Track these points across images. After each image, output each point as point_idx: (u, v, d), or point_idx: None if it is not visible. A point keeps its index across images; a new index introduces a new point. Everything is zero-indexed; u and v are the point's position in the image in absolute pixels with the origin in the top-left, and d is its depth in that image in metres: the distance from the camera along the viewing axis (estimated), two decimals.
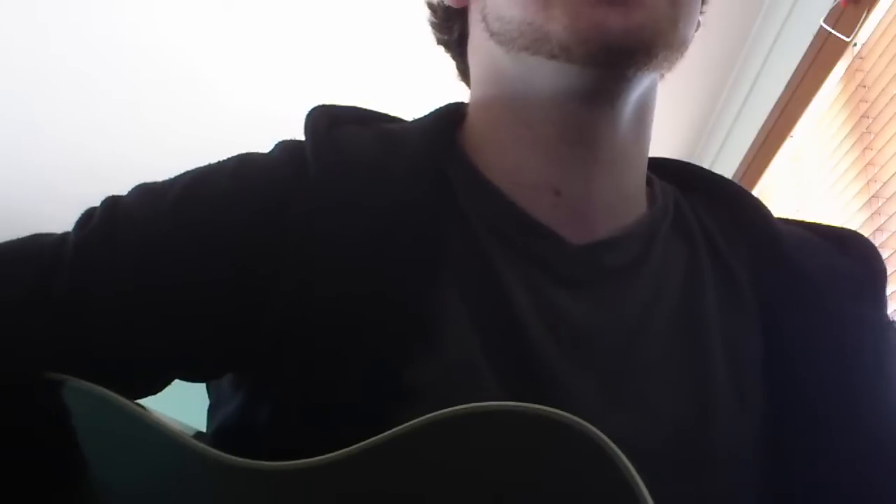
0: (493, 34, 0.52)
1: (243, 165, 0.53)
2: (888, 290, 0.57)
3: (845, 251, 0.57)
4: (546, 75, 0.51)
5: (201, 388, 0.57)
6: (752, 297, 0.54)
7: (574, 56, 0.47)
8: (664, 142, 2.40)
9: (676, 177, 0.62)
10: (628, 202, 0.56)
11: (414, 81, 2.10)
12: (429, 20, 0.64)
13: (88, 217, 0.50)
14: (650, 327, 0.51)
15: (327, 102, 0.57)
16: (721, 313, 0.53)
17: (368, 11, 2.09)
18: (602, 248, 0.53)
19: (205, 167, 0.53)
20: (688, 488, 0.34)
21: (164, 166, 0.56)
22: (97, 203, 0.51)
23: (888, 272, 0.58)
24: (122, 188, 0.52)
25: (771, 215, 0.59)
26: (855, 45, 1.59)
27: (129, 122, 2.58)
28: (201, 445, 0.40)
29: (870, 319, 0.54)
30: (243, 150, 0.55)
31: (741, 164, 2.17)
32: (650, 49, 0.47)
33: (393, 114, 0.61)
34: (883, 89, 1.49)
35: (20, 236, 0.50)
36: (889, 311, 0.58)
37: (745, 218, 0.58)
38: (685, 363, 0.50)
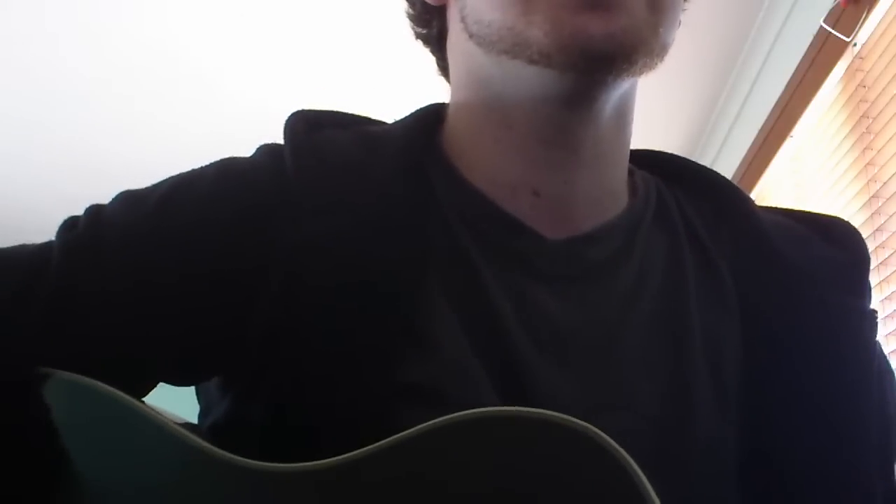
0: (471, 36, 0.52)
1: (225, 169, 0.52)
2: (888, 290, 0.57)
3: (828, 238, 0.57)
4: (525, 79, 0.50)
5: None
6: (732, 286, 0.54)
7: (554, 62, 0.47)
8: (664, 142, 2.40)
9: (659, 168, 0.61)
10: (610, 197, 0.55)
11: (418, 79, 2.10)
12: (406, 12, 0.63)
13: (72, 225, 0.50)
14: (631, 322, 0.51)
15: (307, 108, 0.57)
16: (702, 304, 0.52)
17: (374, 10, 2.09)
18: (583, 243, 0.53)
19: (187, 172, 0.53)
20: (670, 484, 0.34)
21: (168, 165, 0.56)
22: (100, 202, 0.52)
23: (888, 272, 0.58)
24: (125, 188, 0.52)
25: (754, 205, 0.59)
26: (855, 45, 1.59)
27: (133, 122, 2.58)
28: (201, 441, 0.39)
29: (853, 308, 0.53)
30: (248, 150, 0.55)
31: (741, 164, 2.17)
32: (630, 55, 0.47)
33: (396, 112, 0.61)
34: (883, 89, 1.50)
35: (15, 241, 0.50)
36: (889, 311, 0.58)
37: (727, 207, 0.58)
38: (666, 357, 0.50)
